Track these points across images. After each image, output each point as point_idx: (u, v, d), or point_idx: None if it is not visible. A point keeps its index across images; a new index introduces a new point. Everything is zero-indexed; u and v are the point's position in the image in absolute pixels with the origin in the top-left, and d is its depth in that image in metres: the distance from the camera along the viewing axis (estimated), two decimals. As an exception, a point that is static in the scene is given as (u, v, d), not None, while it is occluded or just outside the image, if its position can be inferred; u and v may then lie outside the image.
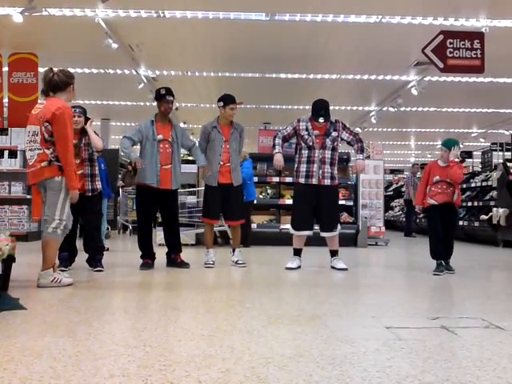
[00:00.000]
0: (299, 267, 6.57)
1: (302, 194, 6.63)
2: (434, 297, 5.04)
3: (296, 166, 6.67)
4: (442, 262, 6.39)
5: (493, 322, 3.52)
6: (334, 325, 3.41)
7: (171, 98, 6.65)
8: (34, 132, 4.95)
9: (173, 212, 6.75)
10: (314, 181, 6.49)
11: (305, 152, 6.55)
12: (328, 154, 6.52)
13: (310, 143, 6.51)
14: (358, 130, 19.23)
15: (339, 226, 6.74)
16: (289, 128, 6.69)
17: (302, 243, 6.71)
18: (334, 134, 6.57)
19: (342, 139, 6.66)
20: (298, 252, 6.71)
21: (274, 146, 6.68)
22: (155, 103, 6.83)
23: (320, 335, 3.12)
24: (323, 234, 6.66)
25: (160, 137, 6.49)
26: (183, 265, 6.62)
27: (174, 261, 6.68)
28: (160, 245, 8.22)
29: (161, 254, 6.83)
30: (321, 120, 6.45)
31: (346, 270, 6.46)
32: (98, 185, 6.32)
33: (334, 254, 6.72)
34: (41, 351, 2.69)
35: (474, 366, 2.56)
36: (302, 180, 6.56)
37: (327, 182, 6.51)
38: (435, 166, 6.65)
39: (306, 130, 6.56)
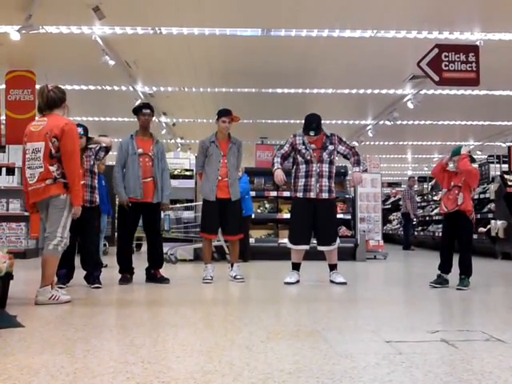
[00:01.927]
0: (298, 282, 6.54)
1: (299, 208, 6.63)
2: (434, 310, 5.02)
3: (293, 180, 6.67)
4: (442, 274, 6.34)
5: (493, 335, 3.51)
6: (333, 339, 3.39)
7: (148, 111, 6.83)
8: (35, 149, 4.90)
9: (155, 226, 6.78)
10: (312, 195, 6.48)
11: (302, 166, 6.56)
12: (326, 167, 6.54)
13: (308, 157, 6.53)
14: (354, 143, 19.28)
15: (338, 240, 6.72)
16: (286, 146, 6.70)
17: (300, 257, 6.70)
18: (331, 147, 6.60)
19: (338, 152, 6.69)
20: (296, 266, 6.68)
21: (273, 164, 6.69)
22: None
23: (319, 350, 3.10)
24: (321, 248, 6.62)
25: (140, 151, 6.61)
26: (163, 280, 6.59)
27: (153, 276, 6.67)
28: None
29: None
30: (311, 133, 6.45)
31: (345, 283, 6.44)
32: (97, 198, 6.36)
33: (332, 268, 6.68)
34: (39, 369, 2.67)
35: (475, 380, 2.54)
36: (299, 194, 6.56)
37: (325, 195, 6.51)
38: (452, 173, 6.52)
39: (303, 143, 6.57)
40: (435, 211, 16.25)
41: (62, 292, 5.07)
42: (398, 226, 18.91)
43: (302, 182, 6.54)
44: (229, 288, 6.44)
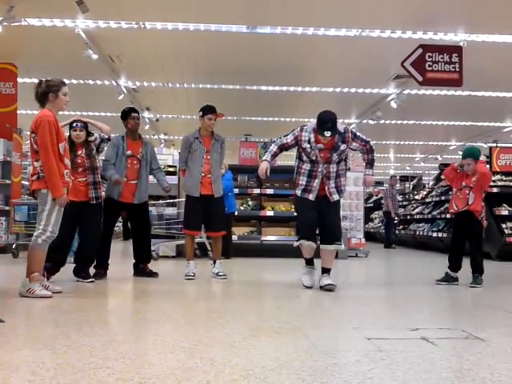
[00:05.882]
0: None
1: (303, 204, 5.92)
2: (414, 308, 5.06)
3: (295, 176, 5.98)
4: (451, 273, 6.54)
5: (472, 333, 3.55)
6: (314, 336, 3.41)
7: (136, 115, 6.88)
8: (29, 145, 5.15)
9: (143, 225, 6.85)
10: (311, 197, 5.80)
11: (307, 165, 5.82)
12: (333, 168, 5.77)
13: (313, 157, 5.74)
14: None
15: (342, 241, 6.02)
16: (289, 136, 5.89)
17: (312, 252, 5.98)
18: (343, 147, 5.76)
19: (351, 149, 5.99)
20: (310, 261, 6.05)
21: (266, 151, 6.01)
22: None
23: (301, 347, 3.12)
24: (324, 247, 5.87)
25: (129, 152, 6.69)
26: (152, 274, 6.71)
27: (142, 270, 6.76)
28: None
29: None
30: (327, 134, 5.53)
31: (334, 286, 5.73)
32: (102, 192, 6.40)
33: (326, 271, 5.89)
34: (18, 364, 2.65)
35: (453, 377, 2.57)
36: (298, 192, 5.92)
37: (335, 197, 5.83)
38: (463, 173, 6.58)
39: (309, 142, 5.74)
40: (416, 210, 16.38)
41: (42, 284, 5.00)
42: (380, 224, 19.03)
43: (303, 180, 5.84)
44: (211, 285, 6.44)
